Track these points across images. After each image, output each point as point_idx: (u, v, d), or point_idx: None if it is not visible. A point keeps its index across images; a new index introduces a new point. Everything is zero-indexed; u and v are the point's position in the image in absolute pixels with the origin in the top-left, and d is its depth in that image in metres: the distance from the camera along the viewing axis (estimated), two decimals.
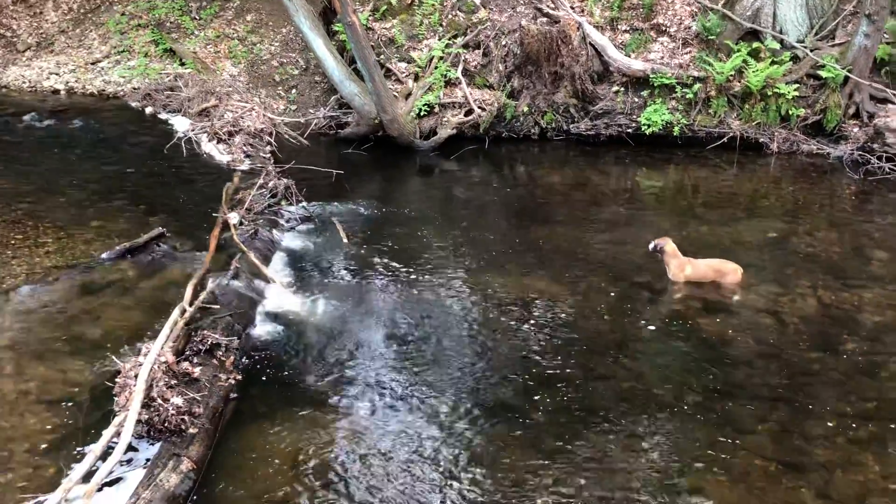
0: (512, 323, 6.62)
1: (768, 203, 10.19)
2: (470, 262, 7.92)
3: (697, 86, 12.15)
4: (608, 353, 6.17)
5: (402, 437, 5.06)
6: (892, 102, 11.57)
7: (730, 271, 7.31)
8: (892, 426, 5.19)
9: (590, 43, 12.54)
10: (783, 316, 6.77)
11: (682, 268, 7.31)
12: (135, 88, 14.69)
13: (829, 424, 5.22)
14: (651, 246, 7.41)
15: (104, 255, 7.47)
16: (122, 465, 4.49)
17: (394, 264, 7.77)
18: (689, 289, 7.27)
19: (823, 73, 11.79)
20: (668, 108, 12.32)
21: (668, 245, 7.33)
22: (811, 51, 11.97)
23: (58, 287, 6.87)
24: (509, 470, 4.75)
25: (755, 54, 12.14)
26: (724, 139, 12.14)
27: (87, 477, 4.21)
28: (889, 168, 10.81)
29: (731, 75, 12.01)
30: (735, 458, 4.86)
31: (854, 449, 4.96)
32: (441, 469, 4.75)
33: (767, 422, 5.24)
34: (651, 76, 12.28)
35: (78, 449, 4.75)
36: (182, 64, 15.12)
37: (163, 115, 13.36)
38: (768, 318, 6.75)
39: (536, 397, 5.52)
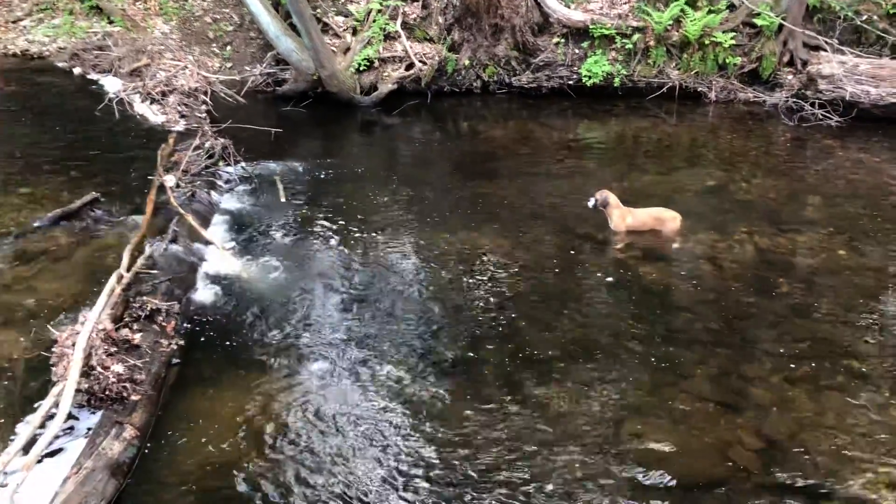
0: (457, 278, 6.64)
1: (707, 152, 10.36)
2: (414, 219, 7.89)
3: (637, 36, 12.19)
4: (553, 304, 6.24)
5: (347, 395, 5.06)
6: (825, 49, 11.80)
7: (669, 219, 7.44)
8: (825, 365, 5.39)
9: None
10: (721, 262, 6.93)
11: (623, 217, 7.41)
12: (61, 48, 14.07)
13: (766, 365, 5.39)
14: (591, 202, 7.42)
15: (36, 223, 7.22)
16: (62, 436, 4.40)
17: (337, 223, 7.69)
18: (630, 238, 7.38)
19: (759, 21, 11.95)
20: (608, 60, 12.36)
21: (612, 197, 7.40)
22: None
23: None
24: (458, 423, 4.80)
25: (693, 3, 12.21)
26: (664, 89, 12.26)
27: (26, 449, 4.13)
28: (822, 114, 11.06)
29: (670, 25, 12.08)
30: (675, 401, 5.00)
31: (788, 388, 5.14)
32: (389, 426, 4.78)
33: (706, 365, 5.39)
34: (591, 27, 12.27)
35: (15, 421, 4.63)
36: (110, 22, 14.52)
37: (92, 76, 12.86)
38: (707, 264, 6.90)
39: (483, 350, 5.57)
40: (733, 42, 12.01)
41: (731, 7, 12.27)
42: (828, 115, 11.02)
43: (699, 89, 12.26)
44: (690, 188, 8.78)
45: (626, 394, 5.10)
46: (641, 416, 4.88)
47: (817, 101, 11.23)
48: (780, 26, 11.86)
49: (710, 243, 7.28)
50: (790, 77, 12.07)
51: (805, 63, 11.88)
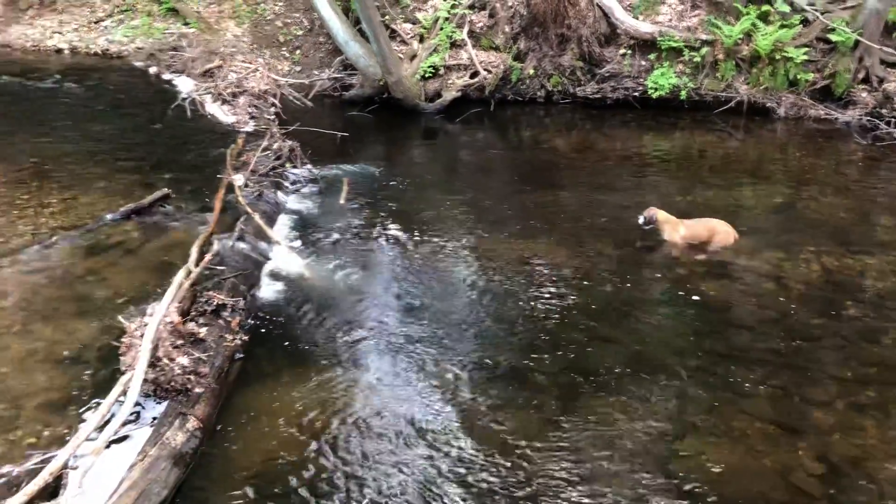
0: (515, 286, 6.64)
1: (774, 168, 10.14)
2: (474, 225, 7.92)
3: (705, 49, 12.01)
4: (610, 316, 6.20)
5: (404, 398, 5.11)
6: None
7: (722, 231, 7.37)
8: (893, 391, 5.23)
9: (597, 4, 12.40)
10: (786, 281, 6.78)
11: (675, 228, 7.40)
12: (138, 48, 14.59)
13: (830, 389, 5.26)
14: (641, 220, 7.44)
15: (109, 216, 7.49)
16: (129, 424, 4.55)
17: (398, 226, 7.77)
18: (690, 252, 7.28)
19: (833, 37, 11.65)
20: (675, 72, 12.21)
21: (659, 213, 7.41)
22: (822, 14, 11.80)
23: (63, 247, 6.90)
24: (511, 432, 4.80)
25: (764, 17, 11.98)
26: (732, 103, 12.05)
27: (94, 435, 4.28)
28: None
29: (740, 39, 11.86)
30: (735, 420, 4.91)
31: (853, 413, 5.00)
32: (444, 429, 4.81)
33: (768, 385, 5.28)
34: (659, 39, 12.14)
35: (85, 407, 4.81)
36: (186, 23, 14.98)
37: (167, 76, 13.28)
38: (771, 283, 6.76)
39: (539, 360, 5.56)
40: (806, 57, 11.74)
41: (805, 22, 12.00)
42: None
43: (768, 105, 12.00)
44: (756, 205, 8.61)
45: (684, 411, 5.03)
46: (699, 434, 4.80)
47: (893, 119, 10.91)
48: (856, 42, 11.54)
49: (774, 262, 7.13)
50: (865, 94, 11.72)
51: (881, 80, 11.54)
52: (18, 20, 16.05)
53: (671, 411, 5.02)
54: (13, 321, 5.77)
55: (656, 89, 12.11)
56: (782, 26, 11.80)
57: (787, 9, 11.97)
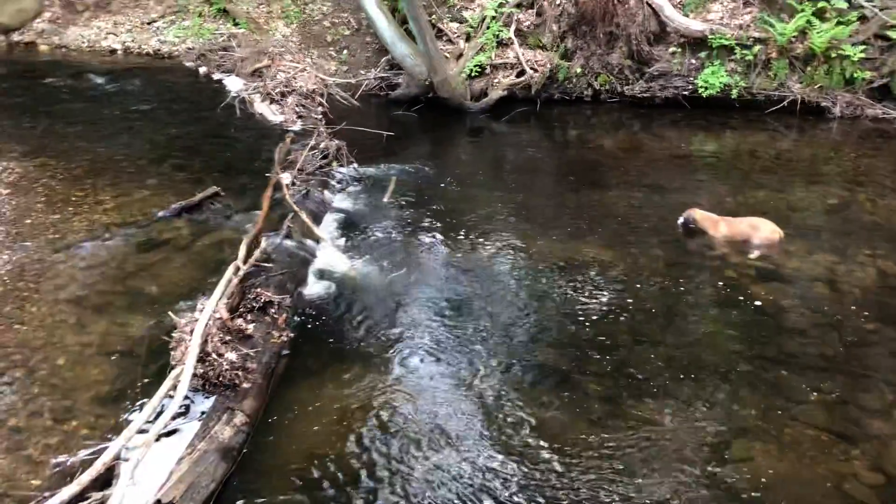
0: (560, 287, 6.59)
1: (829, 169, 9.89)
2: (520, 225, 7.88)
3: (757, 47, 11.76)
4: (658, 318, 6.11)
5: (449, 397, 5.11)
6: None
7: (765, 228, 7.33)
8: None
9: (646, 2, 12.21)
10: (840, 285, 6.61)
11: (716, 226, 7.44)
12: (189, 48, 14.82)
13: (885, 396, 5.11)
14: (680, 221, 7.58)
15: (160, 213, 7.63)
16: (178, 418, 4.63)
17: (443, 226, 7.78)
18: (738, 252, 7.14)
19: (893, 34, 11.31)
20: (726, 71, 11.98)
21: (696, 213, 7.53)
22: (880, 10, 11.47)
23: (116, 243, 7.05)
24: (557, 433, 4.77)
25: (820, 14, 11.68)
26: (784, 103, 11.77)
27: (145, 427, 4.36)
28: None
29: (794, 36, 11.59)
30: (786, 427, 4.81)
31: None
32: (489, 431, 4.79)
33: (820, 392, 5.15)
34: (709, 37, 11.92)
35: (137, 400, 4.91)
36: (235, 24, 15.18)
37: (216, 75, 13.48)
38: (825, 287, 6.60)
39: (585, 362, 5.51)
40: (863, 55, 11.42)
41: (863, 18, 11.67)
42: None
43: (823, 104, 11.70)
44: (809, 206, 8.41)
45: (734, 416, 4.93)
46: (749, 439, 4.71)
47: None
48: None
49: (828, 265, 6.96)
50: None
51: None
52: (75, 22, 16.45)
53: (720, 416, 4.93)
54: (68, 315, 5.92)
55: (707, 88, 11.90)
56: (839, 23, 11.49)
57: (844, 5, 11.65)
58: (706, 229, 7.48)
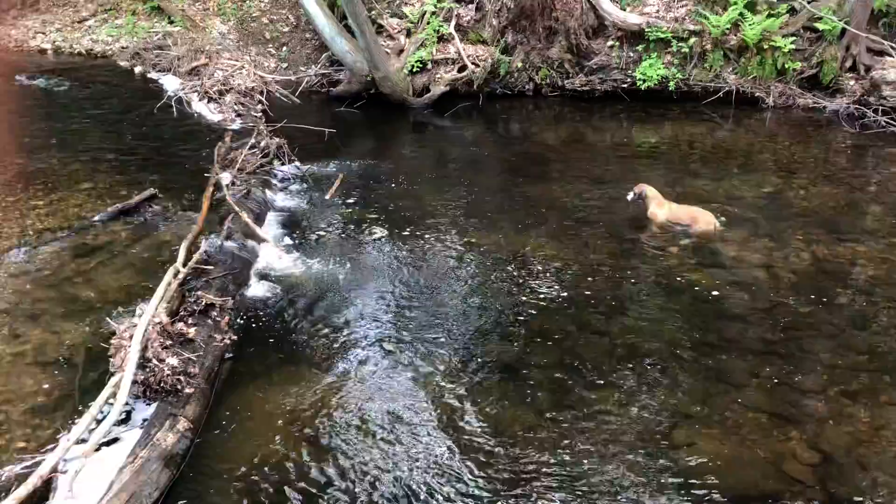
0: (506, 280, 6.62)
1: (763, 158, 10.15)
2: (464, 220, 7.90)
3: (693, 40, 12.03)
4: (602, 308, 6.19)
5: (396, 394, 5.08)
6: (890, 55, 11.50)
7: (703, 219, 7.53)
8: (885, 378, 5.24)
9: None
10: (777, 270, 6.79)
11: (661, 206, 7.67)
12: (123, 48, 14.50)
13: (822, 377, 5.26)
14: (630, 196, 7.75)
15: (96, 217, 7.43)
16: (119, 425, 4.50)
17: (388, 223, 7.75)
18: (682, 244, 7.29)
19: (820, 26, 11.68)
20: (663, 63, 12.22)
21: (649, 189, 7.73)
22: (808, 2, 11.81)
23: (50, 249, 6.84)
24: (503, 426, 4.78)
25: (751, 6, 11.99)
26: (720, 94, 12.07)
27: (84, 437, 4.24)
28: (885, 121, 10.77)
29: (728, 29, 11.88)
30: (727, 411, 4.91)
31: (845, 401, 5.01)
32: (436, 426, 4.79)
33: (760, 375, 5.28)
34: (647, 30, 12.15)
35: (75, 410, 4.76)
36: (171, 22, 14.90)
37: (152, 75, 13.21)
38: (762, 272, 6.77)
39: (530, 353, 5.55)
40: (793, 47, 11.77)
41: (792, 11, 12.01)
42: (891, 122, 10.73)
43: (757, 94, 12.03)
44: (746, 195, 8.62)
45: (677, 402, 5.02)
46: (692, 424, 4.80)
47: (881, 107, 10.95)
48: (843, 31, 11.56)
49: (765, 251, 7.14)
50: (852, 83, 11.76)
51: (868, 68, 11.57)
52: (1, 21, 15.92)
53: (663, 402, 5.02)
54: (0, 324, 5.72)
55: (645, 80, 12.12)
56: (769, 16, 11.82)
57: None
58: (648, 206, 7.65)
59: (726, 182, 9.03)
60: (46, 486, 3.97)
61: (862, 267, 6.90)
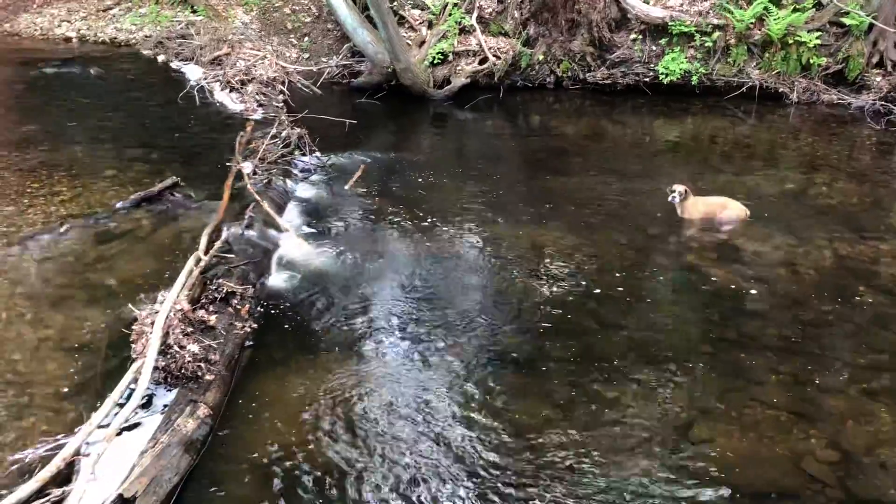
0: (525, 273, 6.62)
1: (786, 154, 10.06)
2: (483, 212, 7.90)
3: (717, 34, 11.92)
4: (621, 303, 6.17)
5: (414, 385, 5.10)
6: None
7: (732, 206, 7.57)
8: None
9: None
10: (798, 267, 6.74)
11: (696, 206, 7.56)
12: (146, 36, 14.59)
13: (842, 375, 5.22)
14: (671, 198, 7.54)
15: (119, 204, 7.49)
16: (140, 411, 4.56)
17: (407, 213, 7.76)
18: (703, 239, 7.25)
19: (847, 21, 11.53)
20: (686, 57, 12.13)
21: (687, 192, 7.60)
22: None
23: (74, 236, 6.91)
24: (520, 420, 4.79)
25: (777, 1, 11.86)
26: (743, 89, 11.97)
27: (106, 422, 4.29)
28: None
29: (752, 23, 11.77)
30: (746, 408, 4.88)
31: (866, 400, 4.97)
32: (454, 417, 4.80)
33: (779, 372, 5.25)
34: (670, 24, 12.05)
35: (97, 394, 4.82)
36: (194, 11, 14.96)
37: (175, 64, 13.28)
38: (783, 269, 6.72)
39: (549, 347, 5.54)
40: (818, 42, 11.63)
41: (818, 5, 11.87)
42: None
43: (780, 90, 11.92)
44: (768, 191, 8.55)
45: (695, 398, 5.00)
46: (710, 421, 4.78)
47: None
48: (870, 26, 11.42)
49: (786, 248, 7.09)
50: (879, 79, 11.62)
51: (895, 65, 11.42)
52: (27, 8, 16.07)
53: (682, 398, 5.00)
54: (25, 309, 5.79)
55: (667, 74, 12.04)
56: (795, 10, 11.68)
57: None
58: (686, 208, 7.55)
59: (748, 178, 8.96)
60: (69, 469, 4.03)
61: (885, 265, 6.82)
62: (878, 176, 9.12)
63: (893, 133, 10.48)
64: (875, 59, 11.70)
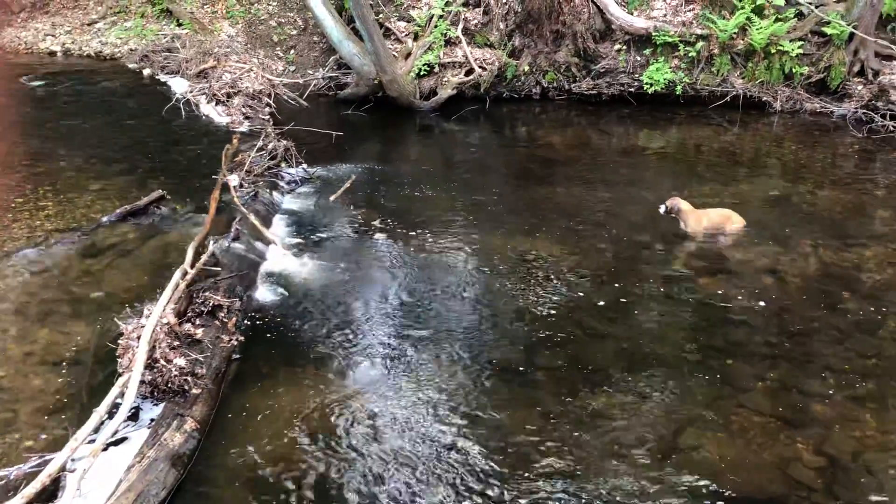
0: (513, 283, 6.63)
1: (770, 162, 10.14)
2: (471, 223, 7.91)
3: (700, 44, 12.02)
4: (608, 312, 6.19)
5: (402, 397, 5.09)
6: None
7: (734, 217, 7.62)
8: (891, 383, 5.23)
9: (592, 0, 12.37)
10: (783, 275, 6.78)
11: (699, 220, 7.57)
12: (132, 50, 14.57)
13: (828, 381, 5.25)
14: (663, 209, 7.63)
15: (105, 218, 7.46)
16: (126, 425, 4.53)
17: (395, 226, 7.76)
18: (690, 248, 7.29)
19: (828, 30, 11.66)
20: (670, 67, 12.22)
21: (682, 203, 7.62)
22: (816, 7, 11.80)
23: (59, 250, 6.88)
24: (509, 429, 4.79)
25: (759, 11, 11.99)
26: (727, 98, 12.07)
27: (92, 437, 4.26)
28: (893, 126, 10.75)
29: (735, 33, 11.88)
30: (733, 415, 4.90)
31: (852, 406, 5.00)
32: (442, 428, 4.80)
33: (766, 379, 5.27)
34: (654, 34, 12.15)
35: (83, 409, 4.78)
36: (179, 24, 14.96)
37: (161, 77, 13.26)
38: (769, 276, 6.76)
39: (536, 356, 5.55)
40: (801, 51, 11.75)
41: (800, 15, 12.00)
42: None
43: (764, 99, 12.03)
44: (753, 199, 8.61)
45: (683, 405, 5.02)
46: (698, 428, 4.80)
47: (889, 112, 10.94)
48: (851, 35, 11.55)
49: (772, 255, 7.14)
50: (860, 87, 11.74)
51: (877, 73, 11.56)
52: (11, 23, 16.02)
53: (669, 406, 5.02)
54: (9, 324, 5.75)
55: (652, 84, 12.12)
56: (777, 20, 11.81)
57: (781, 2, 11.97)
58: (688, 222, 7.57)
59: (733, 186, 9.03)
60: (55, 485, 4.00)
61: (869, 272, 6.88)
62: (860, 183, 9.20)
63: (875, 141, 10.59)
64: (856, 68, 11.83)
